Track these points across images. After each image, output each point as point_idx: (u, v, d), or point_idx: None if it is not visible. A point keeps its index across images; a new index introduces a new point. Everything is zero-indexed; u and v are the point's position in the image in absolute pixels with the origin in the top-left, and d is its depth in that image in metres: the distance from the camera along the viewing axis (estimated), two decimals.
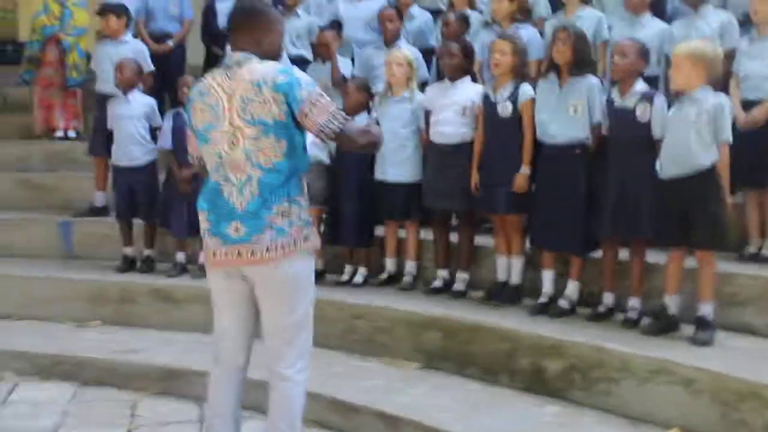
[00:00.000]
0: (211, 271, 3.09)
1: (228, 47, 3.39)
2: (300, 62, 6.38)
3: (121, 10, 6.44)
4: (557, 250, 4.57)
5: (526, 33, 5.23)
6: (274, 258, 2.91)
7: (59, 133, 7.68)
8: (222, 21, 7.07)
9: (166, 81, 6.76)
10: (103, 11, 6.44)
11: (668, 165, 4.02)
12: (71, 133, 7.59)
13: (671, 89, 4.12)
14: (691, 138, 3.93)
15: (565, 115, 4.39)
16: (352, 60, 6.29)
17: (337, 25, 6.26)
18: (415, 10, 6.39)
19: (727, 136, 3.97)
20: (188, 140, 3.22)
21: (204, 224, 3.04)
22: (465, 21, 5.63)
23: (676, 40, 4.74)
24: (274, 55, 3.03)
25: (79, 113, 7.64)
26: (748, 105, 4.52)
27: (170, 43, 7.48)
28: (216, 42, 6.99)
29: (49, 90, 7.66)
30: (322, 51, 6.03)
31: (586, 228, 4.39)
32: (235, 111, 2.89)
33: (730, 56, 4.62)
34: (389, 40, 5.86)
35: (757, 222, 4.62)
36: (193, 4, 7.89)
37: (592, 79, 4.39)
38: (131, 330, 5.39)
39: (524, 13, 5.39)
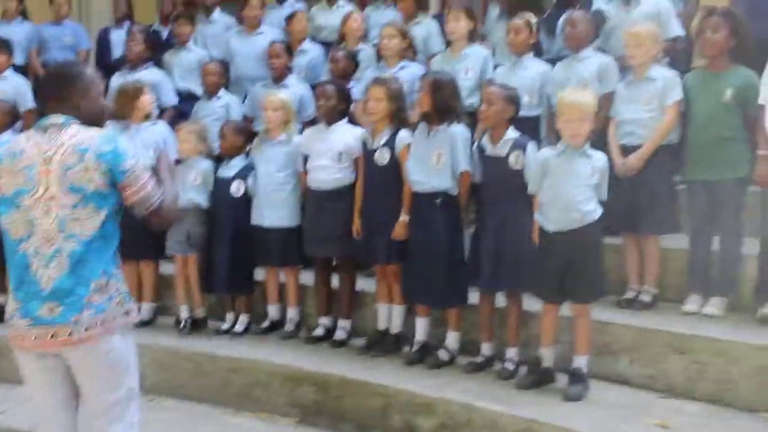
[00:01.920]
0: (20, 353, 2.84)
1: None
2: (188, 98, 6.25)
3: (5, 47, 6.15)
4: (424, 303, 4.46)
5: (413, 71, 5.14)
6: (93, 336, 2.72)
7: None
8: (116, 52, 6.89)
9: None
10: None
11: (554, 218, 3.92)
12: None
13: (569, 143, 3.97)
14: (583, 194, 3.88)
15: (428, 163, 4.29)
16: (245, 98, 6.14)
17: (221, 62, 6.09)
18: (306, 44, 6.26)
19: (605, 195, 3.96)
20: None
21: (12, 304, 2.78)
22: (353, 59, 5.51)
23: (556, 82, 4.71)
24: (96, 119, 2.86)
25: None
26: (624, 150, 4.48)
27: None
28: (111, 73, 6.74)
29: None
30: (208, 84, 5.84)
31: (454, 279, 4.28)
32: (54, 177, 2.69)
33: (608, 100, 4.59)
34: (277, 77, 5.71)
35: (636, 266, 4.57)
36: (88, 33, 7.69)
37: (456, 128, 4.28)
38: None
39: (414, 51, 5.28)
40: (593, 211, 3.90)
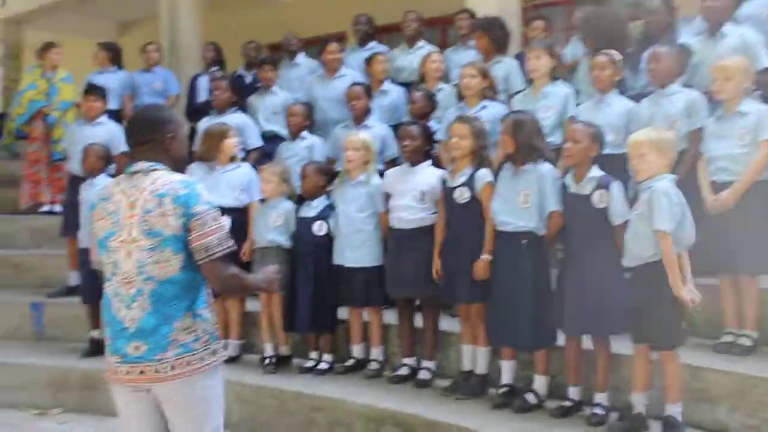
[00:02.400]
0: (115, 386, 2.93)
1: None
2: (273, 139, 6.38)
3: (103, 94, 6.45)
4: (508, 345, 4.37)
5: (494, 111, 5.12)
6: (180, 376, 2.79)
7: (45, 208, 7.70)
8: (203, 95, 7.11)
9: None
10: (90, 91, 6.44)
11: (627, 255, 3.85)
12: (57, 208, 7.57)
13: (636, 180, 3.92)
14: (639, 228, 3.78)
15: (515, 203, 4.24)
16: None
17: (305, 104, 6.20)
18: (387, 85, 6.32)
19: (658, 225, 3.73)
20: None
21: (105, 341, 2.91)
22: (431, 99, 5.53)
23: (642, 120, 4.59)
24: (180, 161, 2.97)
25: (65, 188, 7.64)
26: (715, 187, 4.33)
27: None
28: (199, 117, 6.97)
29: (36, 165, 7.73)
30: (292, 125, 5.94)
31: (539, 321, 4.18)
32: (135, 221, 2.79)
33: (697, 136, 4.46)
34: (357, 119, 5.78)
35: (732, 309, 4.37)
36: (178, 79, 7.98)
37: (543, 167, 4.22)
38: (94, 418, 5.25)
39: (494, 91, 5.26)
40: (651, 248, 3.76)
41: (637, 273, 3.82)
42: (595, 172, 4.10)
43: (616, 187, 4.03)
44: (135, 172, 2.86)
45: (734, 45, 4.79)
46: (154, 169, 2.84)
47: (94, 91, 6.47)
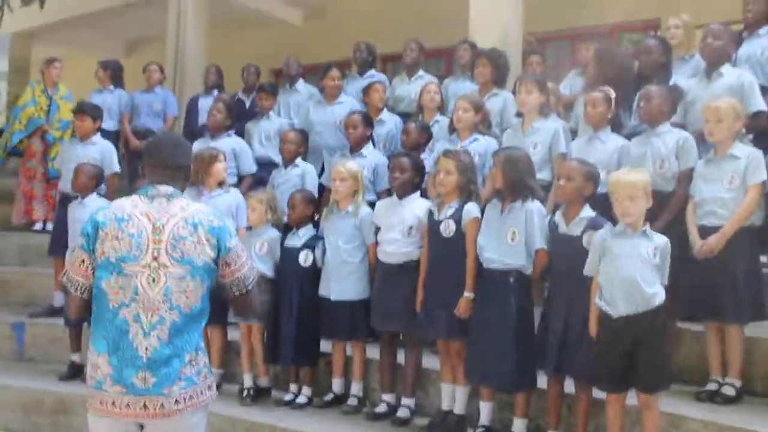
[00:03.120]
0: (99, 417, 2.76)
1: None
2: (267, 165, 6.35)
3: (97, 113, 6.45)
4: (486, 385, 4.27)
5: (485, 144, 5.06)
6: (182, 410, 2.73)
7: (38, 225, 7.69)
8: (203, 117, 7.11)
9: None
10: (80, 111, 6.44)
11: (618, 302, 3.71)
12: (50, 226, 7.55)
13: (623, 221, 3.83)
14: (646, 275, 3.68)
15: (503, 240, 4.16)
16: (322, 167, 6.19)
17: (300, 131, 6.17)
18: (384, 115, 6.28)
19: (666, 279, 3.74)
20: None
21: (105, 368, 2.72)
22: (425, 130, 5.48)
23: (633, 158, 4.52)
24: (185, 187, 2.99)
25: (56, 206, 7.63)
26: (703, 231, 4.24)
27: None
28: (195, 138, 6.96)
29: (32, 181, 7.73)
30: (285, 152, 5.91)
31: (522, 362, 4.08)
32: (164, 247, 2.73)
33: (687, 177, 4.38)
34: (353, 148, 5.73)
35: (717, 356, 4.27)
36: (178, 101, 8.00)
37: (532, 205, 4.14)
38: None
39: (487, 125, 5.20)
40: (657, 293, 3.68)
41: (635, 319, 3.67)
42: (587, 212, 4.02)
43: (607, 229, 3.93)
44: (155, 196, 2.82)
45: (730, 85, 4.72)
46: (179, 196, 2.84)
47: (83, 110, 6.44)
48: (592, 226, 3.97)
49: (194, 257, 2.74)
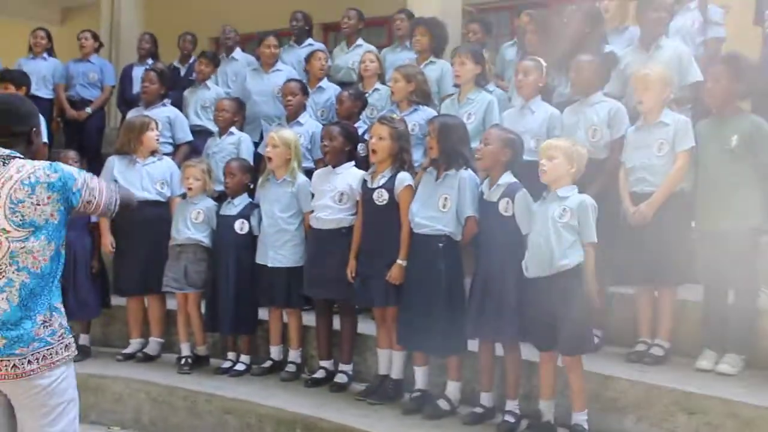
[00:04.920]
0: None
1: None
2: (203, 134, 6.27)
3: (21, 80, 6.25)
4: (418, 350, 4.32)
5: (425, 115, 5.06)
6: (36, 370, 2.67)
7: None
8: (137, 87, 6.96)
9: (83, 148, 6.63)
10: (2, 79, 6.25)
11: (531, 265, 3.84)
12: None
13: (542, 179, 3.93)
14: (551, 237, 3.78)
15: (434, 207, 4.18)
16: (260, 135, 6.13)
17: (235, 99, 6.09)
18: (324, 83, 6.25)
19: (592, 237, 3.80)
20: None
21: None
22: (360, 99, 5.46)
23: (565, 128, 4.57)
24: (36, 150, 2.86)
25: None
26: (635, 197, 4.32)
27: (88, 110, 7.36)
28: (131, 108, 6.83)
29: None
30: (220, 120, 5.83)
31: (453, 326, 4.13)
32: (2, 212, 2.66)
33: (619, 146, 4.46)
34: (290, 116, 5.68)
35: (647, 318, 4.39)
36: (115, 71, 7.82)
37: (464, 173, 4.17)
38: None
39: (423, 95, 5.19)
40: (566, 256, 3.77)
41: (547, 281, 3.79)
42: (506, 178, 4.07)
43: (521, 196, 3.99)
44: None
45: (668, 57, 4.81)
46: (13, 157, 2.71)
47: (4, 77, 6.25)
48: (509, 192, 4.03)
49: (35, 218, 2.67)
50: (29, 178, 2.67)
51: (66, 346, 2.78)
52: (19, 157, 2.73)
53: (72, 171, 2.78)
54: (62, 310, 2.80)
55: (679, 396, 3.82)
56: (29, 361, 2.66)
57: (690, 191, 4.31)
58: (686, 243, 4.32)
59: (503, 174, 4.06)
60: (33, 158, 2.79)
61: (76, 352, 2.87)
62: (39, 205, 2.68)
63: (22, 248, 2.67)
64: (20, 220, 2.66)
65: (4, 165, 2.70)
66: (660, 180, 4.26)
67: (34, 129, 2.84)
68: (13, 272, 2.66)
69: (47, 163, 2.76)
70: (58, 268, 2.77)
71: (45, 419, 2.74)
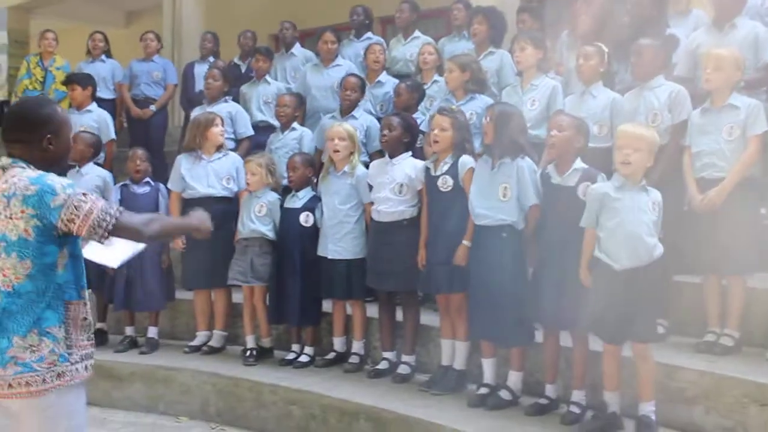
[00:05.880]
0: None
1: None
2: (265, 129, 6.35)
3: (87, 81, 6.45)
4: (488, 340, 4.29)
5: (481, 103, 5.03)
6: (18, 396, 2.52)
7: None
8: (199, 84, 7.09)
9: (147, 146, 6.78)
10: (69, 82, 6.45)
11: (622, 256, 3.71)
12: None
13: (620, 171, 3.82)
14: (647, 228, 3.70)
15: (494, 196, 4.15)
16: None
17: (296, 94, 6.15)
18: (383, 76, 6.25)
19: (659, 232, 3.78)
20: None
21: None
22: (417, 90, 5.45)
23: (626, 112, 4.48)
24: (59, 162, 2.71)
25: None
26: (703, 183, 4.21)
27: (152, 108, 7.53)
28: (193, 106, 6.96)
29: None
30: (281, 116, 5.90)
31: (516, 317, 4.10)
32: None
33: (681, 130, 4.35)
34: (346, 110, 5.70)
35: (716, 307, 4.27)
36: (177, 69, 7.98)
37: (523, 162, 4.13)
38: None
39: (479, 84, 5.16)
40: (657, 245, 3.70)
41: (638, 272, 3.70)
42: (580, 163, 4.01)
43: (602, 180, 3.92)
44: None
45: (743, 37, 4.65)
46: (14, 166, 2.59)
47: (71, 79, 6.46)
48: (587, 177, 3.96)
49: (7, 233, 2.52)
50: (10, 189, 2.53)
51: (58, 374, 2.56)
52: (21, 167, 2.59)
53: (55, 185, 2.53)
54: (57, 335, 2.57)
55: (751, 387, 3.71)
56: (10, 385, 2.52)
57: (760, 177, 4.19)
58: (756, 230, 4.20)
59: (575, 159, 4.01)
60: (50, 165, 2.64)
61: (76, 379, 2.61)
62: (12, 219, 2.52)
63: None
64: None
65: (3, 173, 2.59)
66: (729, 165, 4.13)
67: (49, 136, 2.63)
68: None
69: (37, 174, 2.57)
70: (47, 289, 2.55)
71: None
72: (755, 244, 4.15)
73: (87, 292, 2.72)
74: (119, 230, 2.59)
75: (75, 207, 2.53)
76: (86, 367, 2.67)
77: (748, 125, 4.13)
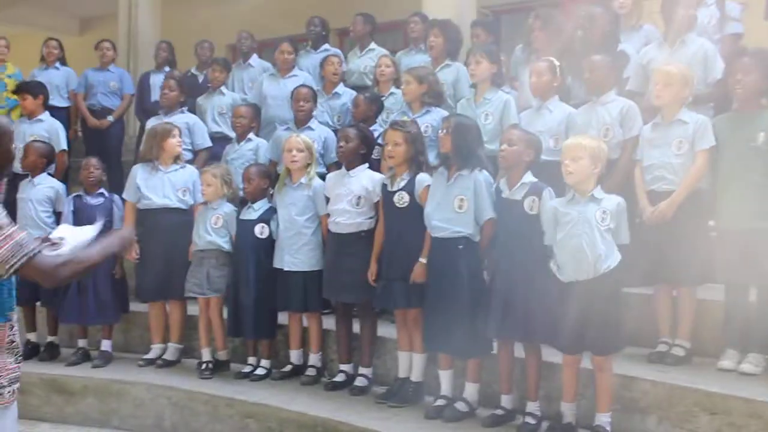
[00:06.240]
0: None
1: None
2: (220, 140, 6.31)
3: (38, 90, 6.35)
4: (445, 352, 4.31)
5: (437, 116, 5.06)
6: None
7: None
8: (155, 94, 7.02)
9: (104, 156, 6.68)
10: (20, 90, 6.34)
11: (569, 268, 3.79)
12: None
13: (566, 181, 3.91)
14: (596, 241, 3.74)
15: (450, 208, 4.19)
16: None
17: (252, 105, 6.12)
18: (340, 88, 6.27)
19: (626, 239, 3.83)
20: None
21: None
22: (375, 102, 5.47)
23: (578, 127, 4.56)
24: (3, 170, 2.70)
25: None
26: (653, 196, 4.30)
27: (110, 118, 7.44)
28: (150, 116, 6.88)
29: None
30: (237, 126, 5.86)
31: (472, 329, 4.12)
32: None
33: (632, 145, 4.44)
34: (301, 121, 5.69)
35: (668, 318, 4.36)
36: (133, 79, 7.89)
37: (480, 175, 4.17)
38: (21, 423, 5.11)
39: (436, 96, 5.20)
40: (608, 258, 3.75)
41: (584, 284, 3.75)
42: (528, 177, 4.07)
43: (548, 194, 3.99)
44: None
45: (692, 54, 4.76)
46: None
47: (22, 88, 6.37)
48: (534, 191, 4.02)
49: None
50: None
51: None
52: None
53: None
54: None
55: (702, 396, 3.78)
56: None
57: (707, 190, 4.29)
58: (705, 242, 4.28)
59: (524, 173, 4.06)
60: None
61: (4, 404, 2.58)
62: None
63: None
64: None
65: None
66: (678, 179, 4.23)
67: None
68: None
69: None
70: None
71: None
72: (704, 256, 4.25)
73: (14, 314, 2.66)
74: (30, 269, 2.49)
75: None
76: (12, 392, 2.60)
77: (696, 140, 4.22)
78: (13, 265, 2.46)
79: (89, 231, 2.90)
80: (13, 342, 2.62)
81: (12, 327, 2.63)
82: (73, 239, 2.85)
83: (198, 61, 7.62)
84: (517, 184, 4.06)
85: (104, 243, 2.75)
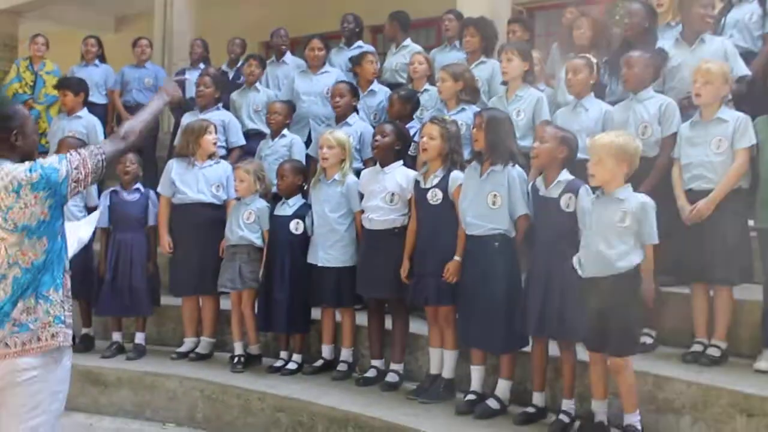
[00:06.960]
0: None
1: None
2: (255, 136, 6.35)
3: (79, 87, 6.44)
4: (478, 348, 4.30)
5: (471, 115, 5.02)
6: (12, 354, 2.68)
7: None
8: (190, 91, 7.08)
9: (138, 151, 6.75)
10: (61, 86, 6.44)
11: (588, 264, 3.77)
12: None
13: (590, 184, 3.88)
14: (612, 241, 3.71)
15: (484, 204, 4.17)
16: (308, 135, 6.19)
17: (286, 102, 6.15)
18: (375, 85, 6.28)
19: (654, 238, 3.74)
20: None
21: None
22: (408, 100, 5.46)
23: (616, 125, 4.52)
24: (23, 155, 2.84)
25: None
26: (692, 195, 4.25)
27: None
28: (184, 112, 6.94)
29: None
30: (272, 123, 5.89)
31: (508, 324, 4.11)
32: None
33: (670, 142, 4.39)
34: (339, 117, 5.72)
35: (704, 318, 4.30)
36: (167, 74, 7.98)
37: (513, 171, 4.15)
38: None
39: (472, 93, 5.18)
40: (623, 259, 3.69)
41: (601, 282, 3.73)
42: (564, 175, 4.03)
43: (585, 191, 3.95)
44: None
45: (712, 52, 4.74)
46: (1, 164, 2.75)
47: (63, 84, 6.46)
48: (570, 188, 3.99)
49: (27, 222, 2.70)
50: (12, 183, 2.70)
51: (53, 334, 2.74)
52: (7, 164, 2.74)
53: (53, 162, 2.75)
54: (54, 298, 2.76)
55: (738, 397, 3.73)
56: (6, 344, 2.68)
57: (747, 189, 4.23)
58: (744, 241, 4.23)
59: (560, 171, 4.03)
60: (21, 160, 2.79)
61: (70, 343, 2.81)
62: (27, 207, 2.70)
63: (16, 250, 2.71)
64: (13, 226, 2.71)
65: None
66: (718, 177, 4.18)
67: (15, 132, 2.82)
68: (7, 268, 2.72)
69: (28, 164, 2.74)
70: (52, 258, 2.76)
71: (20, 408, 2.69)
72: (742, 255, 4.19)
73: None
74: (111, 160, 2.89)
75: (74, 169, 2.77)
76: (70, 336, 2.83)
77: (736, 138, 4.17)
78: (102, 166, 2.84)
79: (87, 228, 3.20)
80: (70, 290, 2.87)
81: (70, 276, 2.87)
82: (74, 234, 3.10)
83: (228, 57, 7.68)
84: (554, 182, 4.03)
85: (152, 104, 3.12)
